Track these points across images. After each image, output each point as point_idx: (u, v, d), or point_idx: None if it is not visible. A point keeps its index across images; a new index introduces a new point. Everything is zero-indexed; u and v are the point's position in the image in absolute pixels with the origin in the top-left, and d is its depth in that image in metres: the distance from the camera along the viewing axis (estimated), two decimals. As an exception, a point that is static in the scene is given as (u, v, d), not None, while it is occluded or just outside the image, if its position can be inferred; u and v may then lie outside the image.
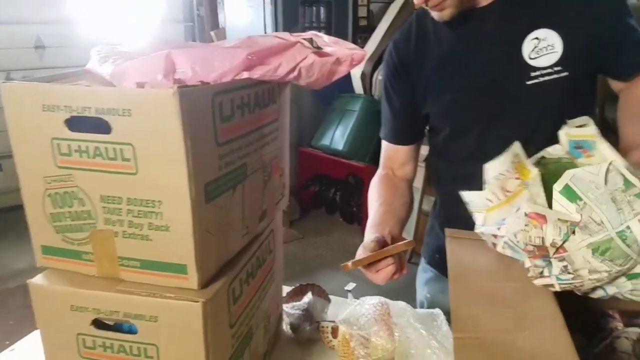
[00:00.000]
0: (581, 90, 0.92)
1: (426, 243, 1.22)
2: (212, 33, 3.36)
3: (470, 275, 0.73)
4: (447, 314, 0.94)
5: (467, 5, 0.90)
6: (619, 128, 0.88)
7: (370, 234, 0.89)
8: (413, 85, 1.02)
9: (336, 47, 0.82)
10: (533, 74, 0.89)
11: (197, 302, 0.59)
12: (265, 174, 0.80)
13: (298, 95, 4.37)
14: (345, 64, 0.78)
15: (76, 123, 0.56)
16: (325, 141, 3.94)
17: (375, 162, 3.84)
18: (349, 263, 0.80)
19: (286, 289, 1.07)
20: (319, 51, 0.75)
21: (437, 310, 0.90)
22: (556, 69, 0.88)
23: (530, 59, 0.89)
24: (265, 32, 4.21)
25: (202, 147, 0.58)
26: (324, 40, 0.85)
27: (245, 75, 0.68)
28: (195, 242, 0.59)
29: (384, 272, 0.83)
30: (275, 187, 0.87)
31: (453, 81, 0.96)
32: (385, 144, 1.13)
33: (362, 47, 3.94)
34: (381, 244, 0.84)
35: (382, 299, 0.92)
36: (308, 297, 1.00)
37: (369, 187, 1.10)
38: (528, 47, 0.89)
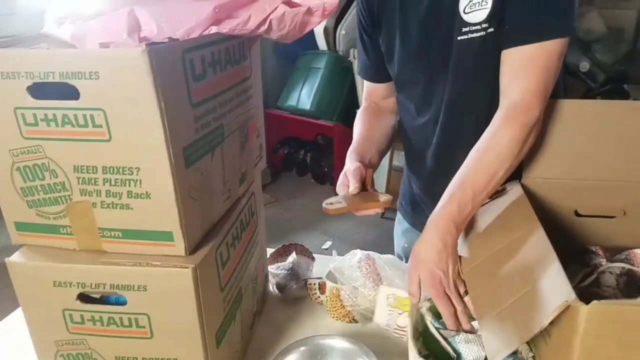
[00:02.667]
0: None
1: (402, 194, 1.25)
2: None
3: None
4: None
5: None
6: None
7: (352, 159, 0.93)
8: (378, 31, 1.03)
9: (305, -4, 0.80)
10: (464, 29, 0.87)
11: (187, 267, 0.59)
12: (242, 134, 0.79)
13: (262, 52, 4.27)
14: (317, 13, 0.76)
15: (40, 90, 0.53)
16: (292, 102, 3.89)
17: (343, 120, 3.85)
18: (331, 208, 0.82)
19: (269, 251, 1.07)
20: (288, 1, 0.73)
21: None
22: (484, 25, 0.85)
23: (465, 13, 0.87)
24: None
25: (176, 109, 0.56)
26: (292, -11, 0.83)
27: (213, 29, 0.66)
28: (179, 208, 0.58)
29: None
30: (253, 149, 0.86)
31: (402, 32, 0.96)
32: (365, 82, 1.15)
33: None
34: (362, 169, 0.89)
35: (367, 252, 0.93)
36: (292, 257, 1.01)
37: (356, 118, 1.11)
38: (464, 2, 0.86)
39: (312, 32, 3.80)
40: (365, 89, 1.17)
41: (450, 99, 0.93)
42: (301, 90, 3.84)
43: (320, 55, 3.80)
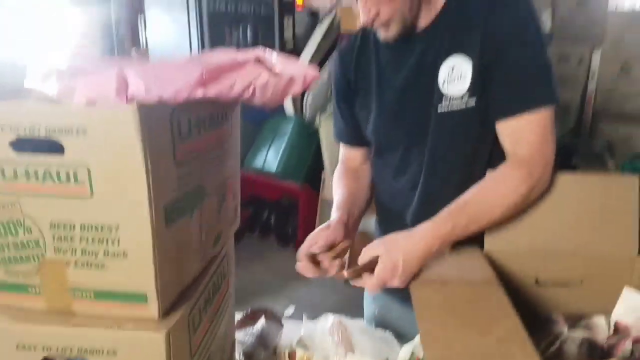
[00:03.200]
0: (493, 124, 0.90)
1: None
2: (134, 52, 3.26)
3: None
4: (398, 336, 0.97)
5: (409, 27, 0.93)
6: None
7: (335, 215, 0.99)
8: (354, 96, 1.06)
9: (286, 65, 0.83)
10: (445, 101, 0.90)
11: (160, 332, 0.57)
12: (220, 195, 0.79)
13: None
14: (299, 83, 0.78)
15: (24, 143, 0.52)
16: (258, 163, 3.92)
17: (309, 182, 3.89)
18: (345, 272, 0.85)
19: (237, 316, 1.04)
20: (271, 69, 0.76)
21: (389, 334, 0.93)
22: (464, 98, 0.88)
23: (443, 86, 0.90)
24: (192, 53, 4.15)
25: (161, 167, 0.57)
26: (273, 58, 0.86)
27: (200, 93, 0.67)
28: (156, 268, 0.57)
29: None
30: (229, 209, 0.86)
31: (379, 100, 1.00)
32: (341, 145, 1.17)
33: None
34: (343, 226, 0.96)
35: (339, 317, 0.92)
36: (261, 323, 0.98)
37: (333, 180, 1.15)
38: (443, 74, 0.89)
39: (280, 97, 3.91)
40: (341, 155, 1.19)
41: (430, 167, 0.96)
42: (267, 153, 3.89)
43: (288, 120, 3.90)
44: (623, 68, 3.32)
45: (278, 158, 3.79)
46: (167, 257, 0.59)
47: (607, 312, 0.81)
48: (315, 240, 0.94)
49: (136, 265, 0.56)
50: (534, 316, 0.83)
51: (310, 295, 3.20)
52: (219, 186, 0.78)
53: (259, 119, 4.18)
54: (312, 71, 0.81)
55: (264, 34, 4.60)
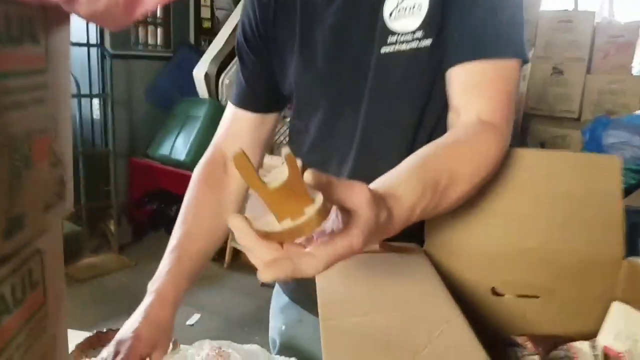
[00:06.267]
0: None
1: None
2: None
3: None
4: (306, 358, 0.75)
5: None
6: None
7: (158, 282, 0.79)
8: (267, 43, 0.84)
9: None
10: (390, 38, 0.72)
11: None
12: (16, 156, 0.51)
13: (130, 97, 3.93)
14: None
15: None
16: (164, 151, 3.57)
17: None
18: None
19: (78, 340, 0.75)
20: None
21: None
22: (417, 35, 0.70)
23: (390, 19, 0.71)
24: (88, 32, 3.70)
25: None
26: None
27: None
28: None
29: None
30: (43, 182, 0.57)
31: (302, 42, 0.79)
32: (228, 115, 0.93)
33: (206, 50, 3.69)
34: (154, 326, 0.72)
35: (218, 344, 0.67)
36: (108, 350, 0.70)
37: (191, 179, 0.92)
38: (390, 3, 0.71)
39: (190, 78, 3.58)
40: (225, 128, 0.95)
41: (365, 133, 0.75)
42: (176, 139, 3.55)
43: (200, 103, 3.58)
44: (555, 69, 3.35)
45: (188, 145, 3.46)
46: None
47: (588, 332, 0.62)
48: None
49: None
50: (491, 338, 0.62)
51: (219, 301, 2.91)
52: (11, 142, 0.49)
53: (167, 101, 3.83)
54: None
55: (177, 10, 4.24)
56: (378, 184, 0.56)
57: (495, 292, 0.69)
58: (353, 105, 0.75)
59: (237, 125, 0.95)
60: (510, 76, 0.67)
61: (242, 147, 0.93)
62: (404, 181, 0.57)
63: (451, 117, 0.73)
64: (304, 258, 0.43)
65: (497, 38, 0.66)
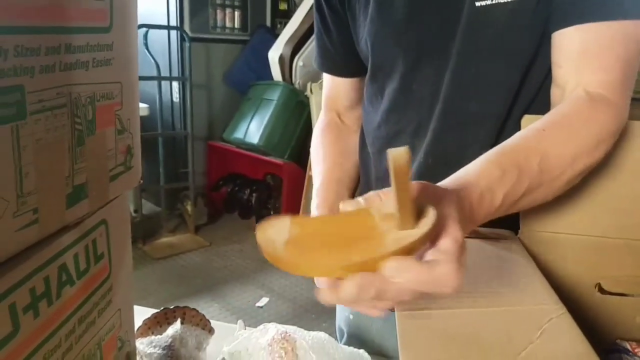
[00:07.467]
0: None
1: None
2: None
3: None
4: (376, 353, 0.69)
5: None
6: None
7: (321, 210, 0.66)
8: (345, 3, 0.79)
9: None
10: None
11: None
12: (77, 119, 0.49)
13: (208, 80, 4.01)
14: None
15: None
16: (239, 134, 3.62)
17: (296, 159, 3.59)
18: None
19: (144, 316, 0.75)
20: None
21: (363, 353, 0.63)
22: None
23: None
24: (169, 15, 3.80)
25: None
26: None
27: None
28: None
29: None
30: (107, 149, 0.55)
31: (381, 3, 0.71)
32: (326, 77, 0.90)
33: (281, 32, 3.67)
34: None
35: (284, 328, 0.63)
36: (174, 328, 0.69)
37: (312, 139, 0.88)
38: None
39: (266, 61, 3.59)
40: (326, 92, 0.92)
41: (450, 98, 0.67)
42: (250, 123, 3.58)
43: (274, 86, 3.58)
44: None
45: (261, 129, 3.48)
46: None
47: None
48: None
49: None
50: (594, 341, 0.53)
51: (288, 285, 2.92)
52: (73, 103, 0.47)
53: (244, 85, 3.87)
54: None
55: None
56: (447, 181, 0.49)
57: (600, 289, 0.59)
58: (436, 65, 0.66)
59: (335, 90, 0.90)
60: (632, 39, 0.56)
61: (346, 106, 0.89)
62: (477, 167, 0.50)
63: (555, 93, 0.64)
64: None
65: None
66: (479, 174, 0.50)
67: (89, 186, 0.52)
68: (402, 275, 0.36)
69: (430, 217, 0.39)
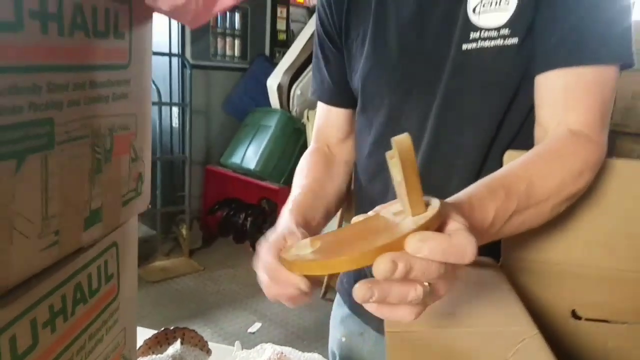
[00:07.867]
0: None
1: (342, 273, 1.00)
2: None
3: None
4: None
5: None
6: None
7: (290, 219, 0.65)
8: (343, 38, 0.84)
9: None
10: (473, 34, 0.68)
11: None
12: (97, 148, 0.53)
13: (207, 106, 4.08)
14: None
15: None
16: (236, 159, 3.67)
17: (291, 184, 3.64)
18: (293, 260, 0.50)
19: (145, 336, 0.78)
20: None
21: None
22: (502, 32, 0.66)
23: (474, 13, 0.68)
24: (171, 43, 3.89)
25: None
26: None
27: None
28: None
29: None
30: (122, 176, 0.60)
31: (375, 35, 0.76)
32: (319, 107, 0.93)
33: (279, 61, 3.75)
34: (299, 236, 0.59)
35: (280, 349, 0.66)
36: (174, 348, 0.72)
37: (299, 163, 0.90)
38: None
39: (265, 89, 3.67)
40: (318, 123, 0.95)
41: (436, 133, 0.72)
42: (247, 148, 3.64)
43: (272, 113, 3.65)
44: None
45: (258, 154, 3.54)
46: None
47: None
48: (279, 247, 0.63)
49: None
50: None
51: (280, 311, 2.93)
52: (95, 134, 0.52)
53: (243, 112, 3.94)
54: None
55: (255, 22, 4.38)
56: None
57: (575, 315, 0.64)
58: (423, 101, 0.71)
59: (328, 121, 0.93)
60: (607, 82, 0.62)
61: (337, 138, 0.92)
62: (466, 190, 0.55)
63: (538, 131, 0.68)
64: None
65: (599, 41, 0.60)
66: (469, 193, 0.54)
67: (104, 210, 0.56)
68: (425, 245, 0.39)
69: (436, 200, 0.44)
